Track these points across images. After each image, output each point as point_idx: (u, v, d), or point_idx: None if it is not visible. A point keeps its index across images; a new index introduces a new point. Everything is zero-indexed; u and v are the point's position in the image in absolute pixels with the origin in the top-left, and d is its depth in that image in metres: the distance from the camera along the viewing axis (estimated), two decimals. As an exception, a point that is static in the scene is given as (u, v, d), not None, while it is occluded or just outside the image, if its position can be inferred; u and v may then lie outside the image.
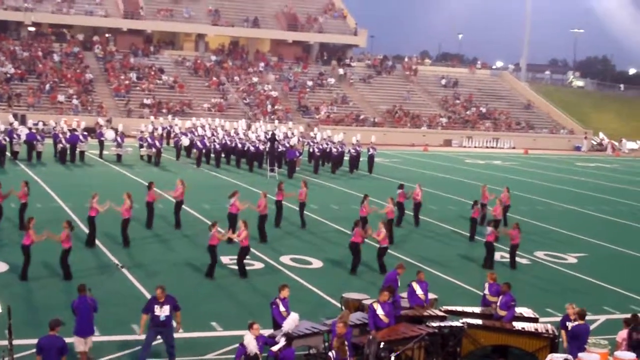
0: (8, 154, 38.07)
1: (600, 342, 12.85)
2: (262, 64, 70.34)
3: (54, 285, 17.54)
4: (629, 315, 13.77)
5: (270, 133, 43.17)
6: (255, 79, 67.28)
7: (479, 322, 14.48)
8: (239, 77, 67.51)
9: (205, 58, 69.31)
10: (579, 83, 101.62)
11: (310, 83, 68.86)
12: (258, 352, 11.74)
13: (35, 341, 11.66)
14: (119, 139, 41.14)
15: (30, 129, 43.36)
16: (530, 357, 14.17)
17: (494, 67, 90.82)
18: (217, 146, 41.64)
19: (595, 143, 72.57)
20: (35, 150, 39.20)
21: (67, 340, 11.91)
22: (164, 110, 57.57)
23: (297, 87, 67.93)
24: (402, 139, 63.31)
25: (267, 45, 75.52)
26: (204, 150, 41.30)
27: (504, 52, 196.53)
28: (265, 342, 12.20)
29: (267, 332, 12.99)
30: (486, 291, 15.70)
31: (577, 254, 24.23)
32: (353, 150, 42.12)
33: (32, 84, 58.19)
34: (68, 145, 39.39)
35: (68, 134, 40.26)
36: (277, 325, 13.47)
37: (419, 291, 15.30)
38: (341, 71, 72.16)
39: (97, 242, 21.49)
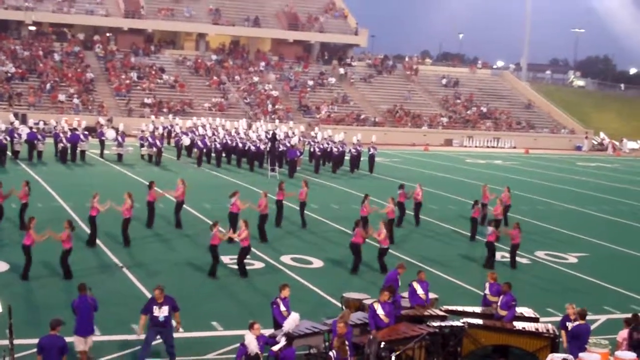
0: (9, 153, 38.10)
1: (601, 342, 12.85)
2: (262, 64, 70.34)
3: (55, 284, 17.55)
4: (629, 315, 13.78)
5: (271, 132, 43.17)
6: (256, 79, 67.28)
7: (480, 321, 14.48)
8: (239, 77, 67.51)
9: (206, 57, 69.32)
10: (580, 83, 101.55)
11: (311, 82, 68.86)
12: (259, 352, 11.74)
13: (36, 341, 11.67)
14: (119, 138, 41.14)
15: (31, 128, 43.44)
16: (531, 357, 14.17)
17: (494, 66, 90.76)
18: (218, 146, 41.64)
19: (596, 143, 72.57)
20: (36, 150, 39.21)
21: (68, 339, 11.91)
22: (165, 110, 57.59)
23: (297, 86, 67.93)
24: (403, 138, 63.32)
25: (267, 44, 75.53)
26: (204, 150, 41.30)
27: (504, 51, 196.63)
28: (266, 342, 12.20)
29: (267, 332, 12.99)
30: (487, 291, 15.71)
31: (577, 254, 24.23)
32: (354, 150, 42.11)
33: (32, 84, 58.20)
34: (69, 145, 39.40)
35: (69, 133, 40.25)
36: (277, 325, 13.47)
37: (419, 291, 15.30)
38: (342, 71, 72.16)
39: (97, 241, 21.49)
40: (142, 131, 43.32)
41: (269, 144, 40.41)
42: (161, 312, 13.01)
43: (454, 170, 46.36)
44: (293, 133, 46.06)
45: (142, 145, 41.92)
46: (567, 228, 28.50)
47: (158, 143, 40.60)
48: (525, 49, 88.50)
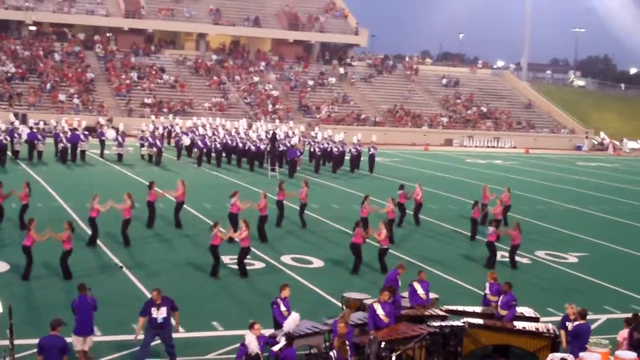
0: (9, 153, 38.10)
1: (602, 342, 12.84)
2: (263, 64, 70.34)
3: (55, 285, 17.55)
4: (629, 315, 13.77)
5: (271, 132, 43.15)
6: (256, 79, 67.27)
7: (480, 321, 14.48)
8: (239, 77, 67.51)
9: (206, 57, 69.32)
10: (580, 82, 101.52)
11: (311, 82, 68.86)
12: (259, 352, 11.74)
13: (36, 341, 11.68)
14: (119, 138, 41.14)
15: (31, 128, 43.45)
16: (531, 357, 14.17)
17: (494, 66, 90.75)
18: (218, 146, 41.65)
19: (596, 142, 72.55)
20: (36, 150, 39.22)
21: (68, 339, 11.92)
22: (165, 110, 57.59)
23: (298, 86, 67.93)
24: (403, 138, 63.31)
25: (268, 44, 75.53)
26: (204, 150, 41.30)
27: (504, 51, 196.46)
28: (266, 342, 12.20)
29: (268, 332, 13.00)
30: (487, 291, 15.70)
31: (578, 254, 24.23)
32: (354, 150, 42.10)
33: (33, 84, 58.21)
34: (69, 145, 39.41)
35: (69, 133, 40.25)
36: (278, 325, 13.47)
37: (420, 291, 15.30)
38: (342, 70, 72.15)
39: (98, 242, 21.48)
40: (142, 131, 43.32)
41: (269, 144, 40.41)
42: (159, 314, 13.01)
43: (454, 170, 46.36)
44: (293, 133, 46.06)
45: (142, 145, 41.92)
46: (567, 228, 28.50)
47: (158, 143, 40.60)
48: (525, 48, 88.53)
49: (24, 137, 39.78)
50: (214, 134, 43.56)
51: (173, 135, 48.33)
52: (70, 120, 47.35)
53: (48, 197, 28.40)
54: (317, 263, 21.14)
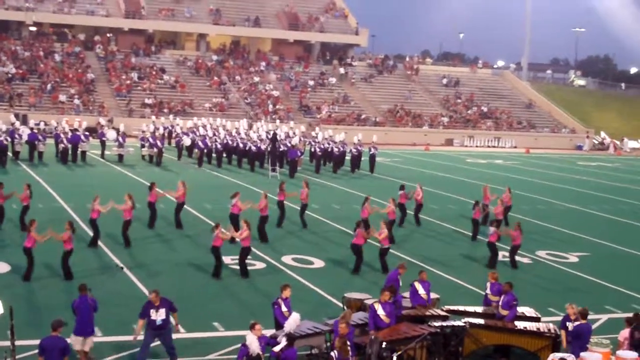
0: (10, 154, 38.11)
1: (602, 342, 12.84)
2: (263, 64, 70.36)
3: (56, 285, 17.55)
4: (630, 315, 13.76)
5: (271, 133, 43.15)
6: (256, 79, 67.28)
7: (481, 321, 14.47)
8: (240, 77, 67.52)
9: (206, 58, 69.33)
10: (581, 82, 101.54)
11: (311, 82, 68.86)
12: (260, 353, 11.75)
13: (37, 342, 11.67)
14: (120, 139, 41.14)
15: (31, 129, 43.46)
16: (532, 357, 14.17)
17: (495, 66, 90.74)
18: (219, 146, 41.65)
19: (596, 142, 72.55)
20: (37, 151, 39.21)
21: (69, 340, 11.92)
22: (166, 110, 57.60)
23: (298, 86, 67.93)
24: (404, 138, 63.31)
25: (268, 44, 75.55)
26: (205, 150, 41.30)
27: (505, 51, 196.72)
28: (267, 343, 12.20)
29: (269, 332, 13.00)
30: (488, 290, 15.70)
31: (578, 253, 24.22)
32: (354, 150, 42.10)
33: (33, 84, 58.23)
34: (69, 145, 39.42)
35: (69, 134, 40.25)
36: (279, 326, 13.47)
37: (421, 291, 15.29)
38: (342, 71, 72.16)
39: (99, 242, 21.48)
40: (143, 132, 43.32)
41: (270, 144, 40.40)
42: (158, 316, 13.01)
43: (455, 170, 46.36)
44: (294, 133, 46.05)
45: (142, 146, 41.91)
46: (568, 227, 28.50)
47: (159, 143, 40.60)
48: (525, 48, 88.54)
49: (25, 137, 39.78)
50: (214, 134, 43.57)
51: (174, 135, 48.33)
52: (71, 121, 47.33)
53: (49, 198, 28.40)
54: (318, 263, 21.14)
